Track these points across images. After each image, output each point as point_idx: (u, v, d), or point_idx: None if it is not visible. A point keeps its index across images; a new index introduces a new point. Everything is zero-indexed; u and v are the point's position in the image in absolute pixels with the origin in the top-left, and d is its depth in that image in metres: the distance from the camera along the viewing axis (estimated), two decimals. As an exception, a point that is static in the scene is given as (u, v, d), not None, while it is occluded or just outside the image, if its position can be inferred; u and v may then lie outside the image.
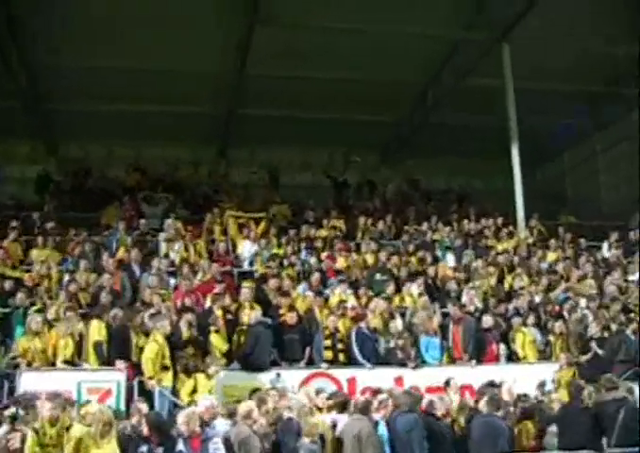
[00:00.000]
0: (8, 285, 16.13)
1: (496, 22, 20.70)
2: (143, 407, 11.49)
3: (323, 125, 24.68)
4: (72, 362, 13.35)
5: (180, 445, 10.55)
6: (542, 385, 13.64)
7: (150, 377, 12.93)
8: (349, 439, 9.86)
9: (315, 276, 16.64)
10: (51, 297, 15.70)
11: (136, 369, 13.41)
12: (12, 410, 10.60)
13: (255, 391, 12.29)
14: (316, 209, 21.64)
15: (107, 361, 13.54)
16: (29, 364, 13.18)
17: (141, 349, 13.45)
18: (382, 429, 10.45)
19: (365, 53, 21.61)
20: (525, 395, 12.46)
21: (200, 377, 13.03)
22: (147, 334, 13.63)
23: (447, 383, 13.29)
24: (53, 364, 13.43)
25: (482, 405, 10.74)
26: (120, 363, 13.21)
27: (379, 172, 26.30)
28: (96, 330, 13.48)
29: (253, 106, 23.84)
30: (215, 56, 21.83)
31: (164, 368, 13.10)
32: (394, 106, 24.70)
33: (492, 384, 12.76)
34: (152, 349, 13.11)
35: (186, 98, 23.31)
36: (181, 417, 10.50)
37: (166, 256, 18.13)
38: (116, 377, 13.30)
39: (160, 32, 20.63)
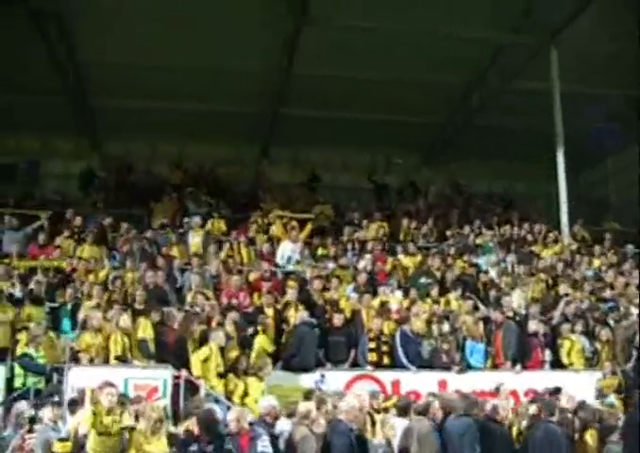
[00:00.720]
0: (56, 280, 16.32)
1: (544, 25, 20.56)
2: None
3: (365, 127, 24.66)
4: (123, 359, 13.42)
5: (229, 444, 10.60)
6: (602, 394, 13.51)
7: (198, 377, 12.95)
8: (411, 440, 9.86)
9: (362, 278, 16.61)
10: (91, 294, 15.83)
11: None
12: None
13: (309, 392, 12.31)
14: (359, 211, 21.54)
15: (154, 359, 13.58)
16: (92, 360, 13.27)
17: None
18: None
19: (410, 54, 21.60)
20: (584, 403, 12.32)
21: (251, 380, 12.96)
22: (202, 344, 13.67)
23: (498, 389, 13.19)
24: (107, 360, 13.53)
25: (535, 410, 10.68)
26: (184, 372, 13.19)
27: (421, 174, 26.17)
28: (142, 328, 13.54)
29: (296, 105, 23.87)
30: (260, 55, 21.87)
31: (220, 376, 13.14)
32: (437, 107, 24.63)
33: (556, 390, 12.67)
34: (203, 352, 13.19)
35: (230, 97, 23.38)
36: (231, 415, 10.53)
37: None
38: (163, 374, 13.32)
39: (205, 31, 20.75)
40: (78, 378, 12.93)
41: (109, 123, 24.70)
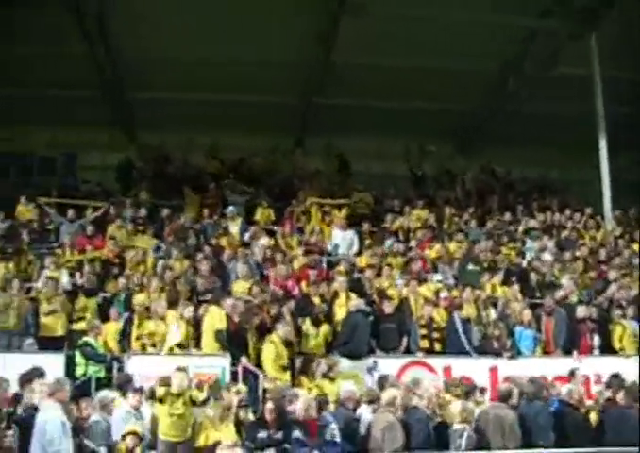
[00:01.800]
0: (107, 270, 16.50)
1: (581, 10, 20.47)
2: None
3: (399, 115, 24.65)
4: (183, 347, 13.57)
5: (297, 431, 10.73)
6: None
7: (273, 378, 13.06)
8: (492, 426, 9.93)
9: (414, 265, 16.68)
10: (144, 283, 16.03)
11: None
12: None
13: (384, 379, 12.41)
14: (397, 199, 21.60)
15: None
16: (154, 346, 13.44)
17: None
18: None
19: (444, 41, 21.58)
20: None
21: (325, 383, 12.88)
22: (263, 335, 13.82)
23: (572, 373, 13.19)
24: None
25: (620, 396, 10.72)
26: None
27: (455, 161, 26.12)
28: (217, 318, 13.64)
29: (331, 95, 23.91)
30: (296, 45, 21.95)
31: (283, 368, 13.26)
32: (471, 95, 24.61)
33: (616, 376, 12.71)
34: (270, 350, 13.32)
35: (265, 87, 23.46)
36: (300, 403, 10.66)
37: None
38: (221, 363, 13.51)
39: (240, 21, 20.85)
40: (138, 367, 13.18)
41: (144, 114, 24.84)
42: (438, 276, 16.62)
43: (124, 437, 10.56)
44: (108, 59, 22.29)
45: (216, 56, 22.08)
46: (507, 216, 20.35)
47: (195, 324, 13.83)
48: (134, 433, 10.65)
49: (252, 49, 21.71)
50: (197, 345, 13.79)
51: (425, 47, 21.76)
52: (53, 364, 14.14)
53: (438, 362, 14.77)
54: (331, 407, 11.09)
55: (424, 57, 22.18)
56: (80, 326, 15.20)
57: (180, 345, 13.51)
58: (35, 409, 10.01)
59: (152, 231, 18.28)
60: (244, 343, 13.60)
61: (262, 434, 10.74)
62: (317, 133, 25.54)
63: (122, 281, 15.96)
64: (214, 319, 13.60)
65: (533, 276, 17.39)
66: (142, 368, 13.08)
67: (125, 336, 14.01)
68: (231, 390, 11.32)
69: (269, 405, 10.69)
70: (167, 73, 22.82)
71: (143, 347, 13.64)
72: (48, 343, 15.08)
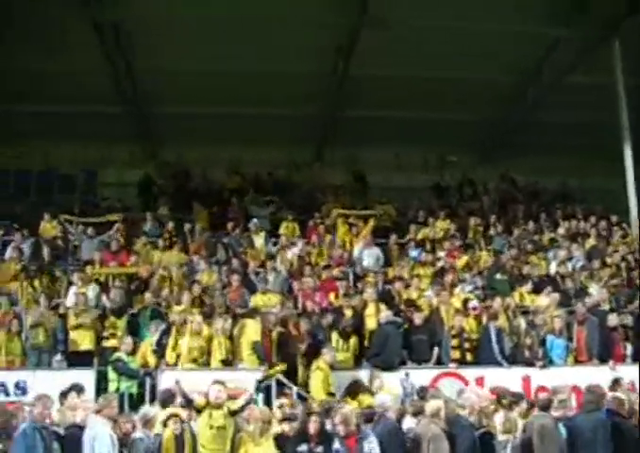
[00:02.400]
0: (134, 286, 16.47)
1: (603, 17, 20.38)
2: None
3: (418, 126, 24.59)
4: (227, 362, 13.52)
5: (337, 444, 10.65)
6: None
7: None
8: (537, 436, 9.79)
9: (443, 276, 16.60)
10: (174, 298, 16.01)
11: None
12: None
13: (423, 390, 12.31)
14: (421, 210, 21.54)
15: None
16: (195, 361, 13.38)
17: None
18: (561, 429, 10.33)
19: (463, 51, 21.48)
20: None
21: (365, 397, 12.82)
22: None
23: (617, 382, 13.00)
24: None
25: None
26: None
27: (475, 171, 26.06)
28: (253, 331, 13.59)
29: (350, 107, 23.87)
30: (314, 57, 21.92)
31: (330, 394, 13.19)
32: (490, 104, 24.51)
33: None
34: (319, 377, 13.26)
35: (284, 100, 23.48)
36: (339, 417, 10.57)
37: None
38: (253, 377, 13.44)
39: (260, 34, 20.79)
40: (170, 382, 13.09)
41: (163, 130, 24.92)
42: (468, 287, 16.47)
43: (165, 423, 10.49)
44: (128, 75, 22.25)
45: (235, 69, 22.02)
46: (531, 225, 20.20)
47: (232, 337, 13.74)
48: (175, 415, 10.63)
49: (271, 62, 21.69)
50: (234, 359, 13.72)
51: (445, 58, 21.71)
52: (83, 380, 14.12)
53: (470, 373, 14.66)
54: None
55: (444, 67, 22.11)
56: (111, 342, 15.22)
57: (224, 361, 13.43)
58: (79, 426, 9.94)
59: (180, 246, 18.19)
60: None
61: (303, 448, 10.66)
62: (336, 145, 25.54)
63: (148, 296, 15.91)
64: (250, 332, 13.52)
65: (562, 285, 17.25)
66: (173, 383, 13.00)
67: (159, 351, 13.91)
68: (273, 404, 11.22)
69: (313, 418, 10.58)
70: (186, 87, 22.81)
71: (176, 362, 13.52)
72: (77, 359, 15.12)
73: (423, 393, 12.02)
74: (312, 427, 10.65)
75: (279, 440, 10.82)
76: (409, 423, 10.78)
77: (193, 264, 17.33)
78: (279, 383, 13.45)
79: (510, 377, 14.45)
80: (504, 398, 11.33)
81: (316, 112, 24.47)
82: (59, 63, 21.14)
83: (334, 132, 24.98)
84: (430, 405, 10.25)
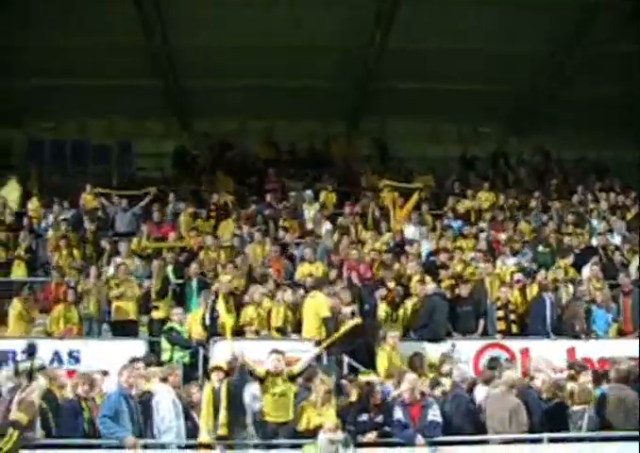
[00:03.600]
0: (182, 257, 16.64)
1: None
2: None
3: (452, 98, 24.47)
4: (283, 331, 13.69)
5: (399, 413, 10.82)
6: None
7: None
8: (613, 407, 9.93)
9: (489, 248, 16.69)
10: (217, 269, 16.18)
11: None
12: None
13: (493, 360, 12.46)
14: (458, 181, 21.57)
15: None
16: (257, 332, 13.55)
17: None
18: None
19: (499, 23, 21.34)
20: None
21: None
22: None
23: None
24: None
25: None
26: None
27: (508, 144, 26.02)
28: (325, 306, 13.71)
29: (384, 79, 23.77)
30: (350, 30, 21.81)
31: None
32: (524, 76, 24.37)
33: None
34: (383, 358, 13.41)
35: (317, 72, 23.38)
36: (405, 384, 10.72)
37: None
38: (306, 347, 13.59)
39: (295, 7, 20.73)
40: (223, 352, 13.26)
41: (198, 102, 24.89)
42: (513, 259, 16.56)
43: (209, 375, 10.70)
44: (164, 49, 22.24)
45: (270, 42, 21.96)
46: (575, 198, 20.18)
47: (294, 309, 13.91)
48: (218, 368, 10.97)
49: (306, 35, 21.59)
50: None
51: (479, 30, 21.56)
52: (134, 350, 14.41)
53: (515, 344, 14.85)
54: (446, 387, 11.12)
55: (478, 39, 21.97)
56: (157, 313, 15.43)
57: (279, 330, 13.59)
58: (151, 393, 10.20)
59: (227, 217, 18.36)
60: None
61: (364, 417, 10.86)
62: (371, 117, 25.51)
63: (195, 267, 16.06)
64: (322, 307, 13.64)
65: (604, 257, 17.29)
66: (227, 353, 13.17)
67: (213, 321, 14.09)
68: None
69: (376, 388, 10.74)
70: (221, 60, 22.72)
71: (257, 332, 13.65)
72: (121, 328, 15.34)
73: (494, 363, 12.15)
74: (373, 396, 10.84)
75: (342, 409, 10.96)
76: (481, 393, 10.91)
77: (239, 236, 17.41)
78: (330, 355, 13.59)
79: (555, 349, 14.62)
80: (575, 368, 11.42)
81: (350, 84, 24.40)
82: (96, 37, 21.14)
83: (369, 104, 24.90)
84: (505, 375, 10.38)
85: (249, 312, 13.91)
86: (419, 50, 22.35)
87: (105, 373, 11.47)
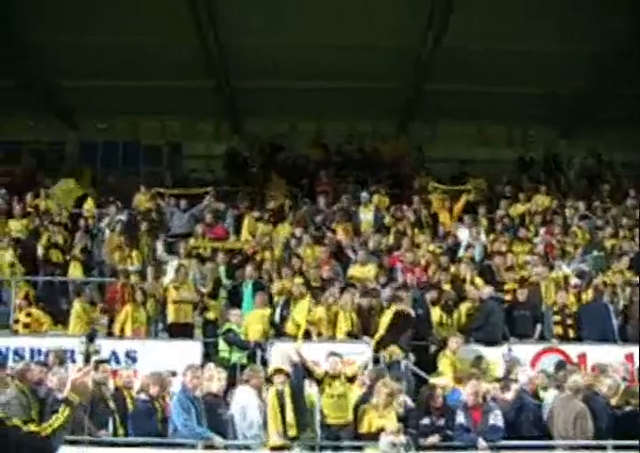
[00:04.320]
0: (235, 260, 16.75)
1: None
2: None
3: (502, 99, 24.38)
4: (354, 335, 13.76)
5: (461, 417, 10.82)
6: None
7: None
8: None
9: (545, 252, 16.61)
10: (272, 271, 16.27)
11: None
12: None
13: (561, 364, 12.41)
14: (510, 185, 21.46)
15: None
16: (319, 334, 13.63)
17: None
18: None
19: (551, 23, 21.15)
20: None
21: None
22: None
23: None
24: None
25: None
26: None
27: (559, 146, 25.83)
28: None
29: (434, 81, 23.73)
30: (402, 31, 21.78)
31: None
32: (574, 77, 24.10)
33: None
34: (446, 364, 13.43)
35: (367, 74, 23.30)
36: (469, 388, 10.72)
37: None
38: (363, 349, 13.66)
39: (346, 8, 20.74)
40: (282, 353, 13.32)
41: (248, 104, 25.01)
42: (568, 263, 16.44)
43: (270, 379, 10.84)
44: (216, 48, 22.37)
45: (320, 43, 21.98)
46: (628, 202, 19.97)
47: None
48: (280, 371, 11.04)
49: (357, 35, 21.56)
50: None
51: (531, 32, 21.41)
52: (190, 351, 14.57)
53: (573, 349, 14.72)
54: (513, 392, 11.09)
55: (529, 42, 21.82)
56: (212, 314, 15.56)
57: (348, 333, 13.66)
58: (215, 395, 10.30)
59: (282, 220, 18.47)
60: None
61: (426, 421, 10.88)
62: (421, 119, 25.48)
63: (250, 269, 16.15)
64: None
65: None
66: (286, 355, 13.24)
67: (278, 322, 14.19)
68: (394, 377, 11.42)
69: (437, 392, 10.75)
70: (271, 61, 22.82)
71: (320, 334, 13.79)
72: (177, 330, 15.44)
73: (560, 367, 12.09)
74: (435, 400, 10.85)
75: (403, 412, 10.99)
76: (550, 397, 10.89)
77: (293, 238, 17.49)
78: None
79: (613, 355, 14.43)
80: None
81: (400, 85, 24.36)
82: (149, 37, 21.30)
83: (419, 105, 24.87)
84: (572, 380, 10.34)
85: (318, 314, 13.93)
86: (471, 52, 22.24)
87: (173, 374, 11.56)
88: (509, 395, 11.05)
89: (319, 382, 11.34)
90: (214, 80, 23.78)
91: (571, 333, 15.06)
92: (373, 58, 22.51)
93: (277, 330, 14.35)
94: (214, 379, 10.50)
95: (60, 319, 16.48)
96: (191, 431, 9.97)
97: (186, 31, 21.26)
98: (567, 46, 22.01)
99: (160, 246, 16.99)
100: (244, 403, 10.06)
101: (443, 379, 11.72)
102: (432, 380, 11.58)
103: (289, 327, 14.05)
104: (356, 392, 11.48)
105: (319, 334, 13.87)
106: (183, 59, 22.38)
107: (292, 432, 10.73)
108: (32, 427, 5.59)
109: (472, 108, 24.55)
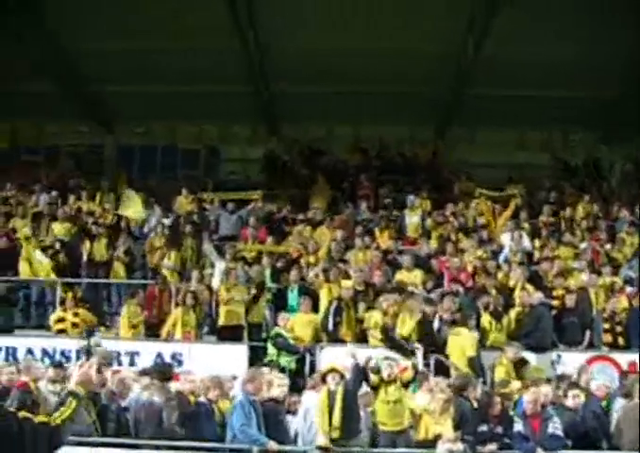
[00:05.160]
0: (280, 263, 16.72)
1: None
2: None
3: (540, 104, 24.23)
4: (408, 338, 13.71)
5: (519, 426, 10.69)
6: None
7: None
8: None
9: (592, 258, 16.48)
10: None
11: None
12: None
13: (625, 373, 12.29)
14: (553, 190, 21.31)
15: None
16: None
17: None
18: None
19: (591, 27, 21.00)
20: None
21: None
22: None
23: None
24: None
25: None
26: None
27: (599, 151, 25.64)
28: (470, 345, 13.67)
29: (475, 85, 23.60)
30: (441, 37, 21.69)
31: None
32: (615, 82, 23.96)
33: None
34: (500, 372, 13.27)
35: (405, 79, 23.27)
36: (528, 396, 10.60)
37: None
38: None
39: (384, 12, 20.68)
40: (330, 357, 13.30)
41: (286, 107, 25.02)
42: (617, 270, 16.29)
43: (324, 378, 10.81)
44: (254, 54, 22.39)
45: (358, 47, 21.89)
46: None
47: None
48: (334, 370, 10.93)
49: (396, 40, 21.51)
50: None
51: (570, 36, 21.26)
52: (235, 354, 14.56)
53: (623, 358, 14.52)
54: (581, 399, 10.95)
55: (570, 45, 21.67)
56: (258, 317, 15.52)
57: (405, 338, 13.60)
58: (275, 400, 10.29)
59: (328, 223, 18.42)
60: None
61: (484, 428, 10.75)
62: (458, 124, 25.39)
63: (294, 273, 16.11)
64: (466, 344, 13.61)
65: None
66: (333, 359, 13.16)
67: (334, 327, 14.14)
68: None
69: (496, 399, 10.64)
70: (308, 66, 22.82)
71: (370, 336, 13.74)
72: (227, 333, 15.41)
73: (625, 376, 11.96)
74: (494, 407, 10.73)
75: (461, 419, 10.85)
76: (618, 405, 10.78)
77: (342, 242, 17.45)
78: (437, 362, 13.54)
79: (664, 362, 14.27)
80: None
81: (437, 90, 24.27)
82: (187, 41, 21.29)
83: (457, 110, 24.77)
84: (636, 388, 10.23)
85: (374, 318, 13.87)
86: (511, 57, 22.12)
87: (234, 377, 11.53)
88: (576, 403, 10.89)
89: (374, 388, 11.24)
90: (252, 85, 23.81)
91: (620, 341, 14.85)
92: (411, 62, 22.47)
93: (329, 336, 14.20)
94: (274, 385, 10.44)
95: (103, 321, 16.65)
96: (248, 436, 9.92)
97: (225, 35, 21.28)
98: (606, 51, 21.84)
99: (210, 248, 16.95)
100: (307, 405, 10.02)
101: (515, 383, 11.59)
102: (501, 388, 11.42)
103: (342, 333, 13.93)
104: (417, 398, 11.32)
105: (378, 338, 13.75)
106: (222, 64, 22.41)
107: (335, 434, 10.62)
108: (42, 418, 6.00)
109: (511, 113, 24.42)
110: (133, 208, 18.70)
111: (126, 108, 24.89)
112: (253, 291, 15.89)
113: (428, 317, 14.00)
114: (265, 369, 11.69)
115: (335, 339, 13.99)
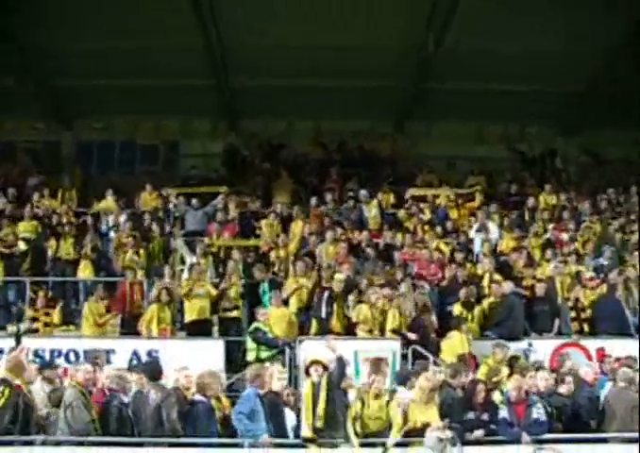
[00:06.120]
0: (251, 258, 16.73)
1: None
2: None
3: (498, 98, 24.54)
4: (399, 332, 13.81)
5: (504, 412, 10.91)
6: None
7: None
8: None
9: (557, 247, 16.80)
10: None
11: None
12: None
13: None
14: (514, 182, 21.63)
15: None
16: (370, 331, 13.65)
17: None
18: None
19: (554, 22, 21.28)
20: None
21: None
22: None
23: None
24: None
25: None
26: None
27: (555, 143, 26.06)
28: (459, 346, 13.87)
29: (434, 80, 23.83)
30: (400, 31, 21.84)
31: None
32: (572, 76, 24.35)
33: None
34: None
35: (364, 73, 23.36)
36: (512, 383, 10.81)
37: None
38: (392, 346, 13.71)
39: (344, 8, 20.78)
40: (309, 351, 13.36)
41: (246, 102, 24.96)
42: (580, 258, 16.65)
43: (307, 370, 10.91)
44: (216, 48, 22.28)
45: (319, 41, 21.97)
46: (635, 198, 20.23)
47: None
48: (317, 362, 11.03)
49: (355, 35, 21.61)
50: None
51: (531, 29, 21.56)
52: (210, 350, 14.53)
53: (591, 344, 14.86)
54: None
55: (529, 39, 21.97)
56: (232, 313, 15.51)
57: (394, 331, 13.72)
58: (276, 393, 10.33)
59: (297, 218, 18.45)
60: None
61: (470, 415, 10.93)
62: (418, 118, 25.58)
63: (264, 267, 16.12)
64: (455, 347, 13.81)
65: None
66: (313, 353, 13.22)
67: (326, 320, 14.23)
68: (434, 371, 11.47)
69: (480, 387, 10.83)
70: (268, 60, 22.79)
71: (370, 331, 13.90)
72: (193, 328, 15.34)
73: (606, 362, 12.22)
74: (478, 395, 10.92)
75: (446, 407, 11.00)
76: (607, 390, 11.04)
77: (309, 236, 17.51)
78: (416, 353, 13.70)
79: (632, 349, 14.58)
80: None
81: (399, 85, 24.42)
82: (146, 38, 21.17)
83: (417, 105, 24.96)
84: (624, 372, 10.48)
85: (364, 311, 13.95)
86: (470, 51, 22.37)
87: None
88: (565, 389, 11.13)
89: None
90: (214, 80, 23.69)
91: (586, 328, 15.20)
92: (371, 56, 22.53)
93: (322, 328, 14.22)
94: (275, 378, 10.54)
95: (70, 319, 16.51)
96: (242, 425, 9.98)
97: (186, 30, 21.15)
98: (566, 45, 22.20)
99: (181, 243, 16.86)
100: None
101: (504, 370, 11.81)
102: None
103: (335, 325, 14.00)
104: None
105: (370, 331, 13.84)
106: (182, 58, 22.26)
107: (319, 424, 10.68)
108: None
109: (469, 106, 24.67)
110: None
111: (85, 103, 24.60)
112: (223, 285, 15.83)
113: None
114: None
115: (325, 330, 13.96)
